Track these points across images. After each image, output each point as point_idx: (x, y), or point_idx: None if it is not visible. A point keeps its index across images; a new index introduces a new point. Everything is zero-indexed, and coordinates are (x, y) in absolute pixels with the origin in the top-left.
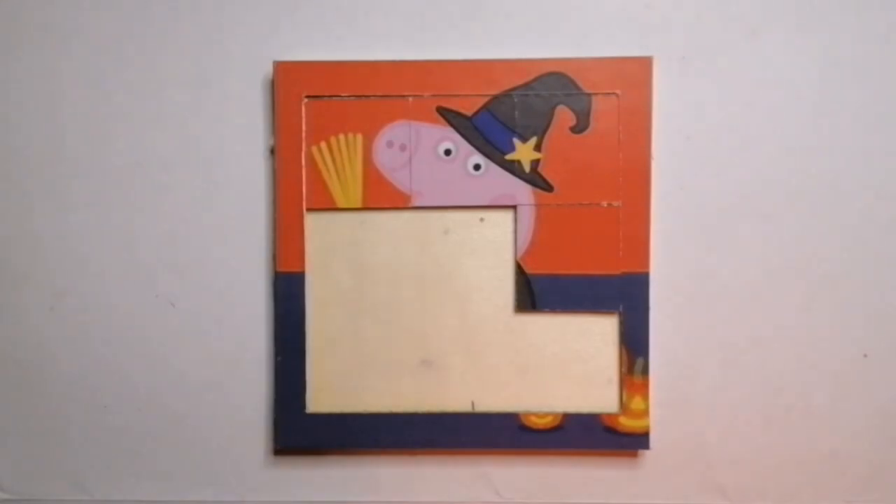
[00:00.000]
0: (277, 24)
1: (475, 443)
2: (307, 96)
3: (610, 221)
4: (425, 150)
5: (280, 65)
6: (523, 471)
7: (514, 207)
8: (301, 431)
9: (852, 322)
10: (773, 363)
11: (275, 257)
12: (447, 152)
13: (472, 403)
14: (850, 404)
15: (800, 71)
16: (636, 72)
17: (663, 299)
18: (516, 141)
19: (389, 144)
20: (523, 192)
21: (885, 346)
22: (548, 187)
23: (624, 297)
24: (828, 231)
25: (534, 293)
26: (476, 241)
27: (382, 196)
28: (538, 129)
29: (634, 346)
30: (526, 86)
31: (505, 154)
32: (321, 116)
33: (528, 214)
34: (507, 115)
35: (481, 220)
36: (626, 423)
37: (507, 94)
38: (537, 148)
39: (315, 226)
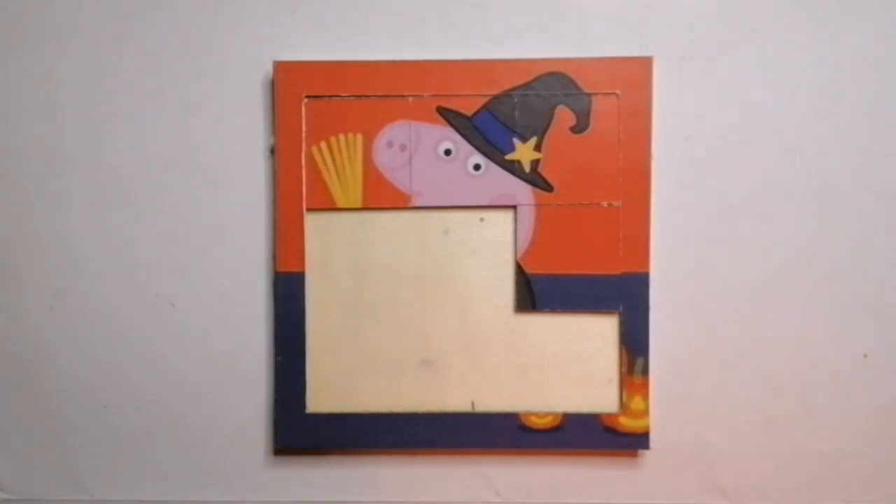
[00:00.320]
0: (277, 24)
1: (475, 443)
2: (307, 96)
3: (610, 221)
4: (425, 150)
5: (280, 65)
6: (523, 471)
7: (514, 207)
8: (301, 431)
9: (852, 322)
10: (773, 363)
11: (275, 257)
12: (447, 152)
13: (472, 403)
14: (850, 404)
15: (800, 71)
16: (636, 72)
17: (663, 299)
18: (516, 141)
19: (389, 144)
20: (523, 192)
21: (885, 346)
22: (548, 187)
23: (624, 297)
24: (828, 231)
25: (534, 293)
26: (476, 241)
27: (382, 196)
28: (538, 129)
29: (634, 346)
30: (526, 86)
31: (505, 154)
32: (321, 116)
33: (528, 214)
34: (507, 115)
35: (481, 220)
36: (626, 423)
37: (507, 94)
38: (537, 148)
39: (315, 226)
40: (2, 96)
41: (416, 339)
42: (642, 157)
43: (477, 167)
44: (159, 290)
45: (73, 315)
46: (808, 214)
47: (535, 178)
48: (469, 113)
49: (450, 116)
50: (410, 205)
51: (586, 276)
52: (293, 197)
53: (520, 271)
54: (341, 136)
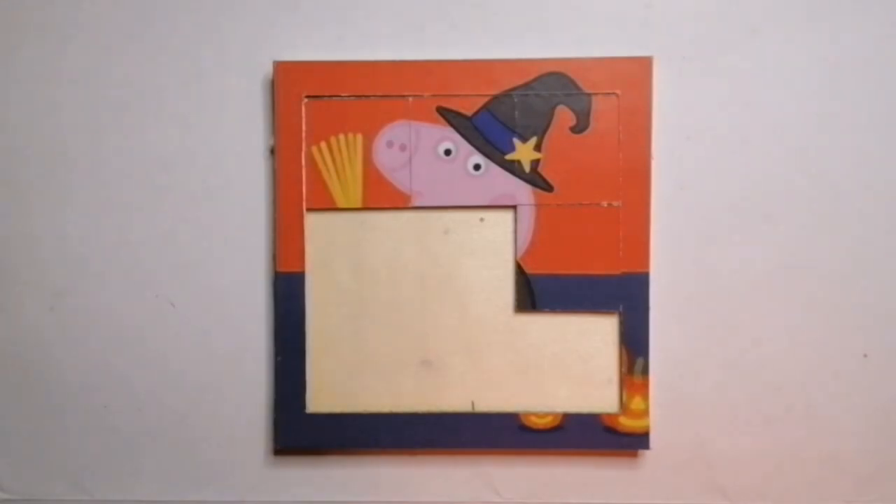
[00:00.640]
0: (277, 24)
1: (475, 443)
2: (307, 96)
3: (610, 221)
4: (425, 150)
5: (280, 65)
6: (523, 471)
7: (514, 207)
8: (301, 431)
9: (852, 322)
10: (773, 363)
11: (275, 257)
12: (447, 152)
13: (472, 403)
14: (850, 404)
15: (800, 70)
16: (636, 72)
17: (663, 299)
18: (516, 141)
19: (389, 144)
20: (523, 192)
21: (885, 346)
22: (548, 187)
23: (624, 297)
24: (828, 231)
25: (534, 293)
26: (476, 241)
27: (382, 196)
28: (538, 129)
29: (634, 346)
30: (526, 86)
31: (505, 154)
32: (321, 116)
33: (528, 214)
34: (507, 115)
35: (481, 220)
36: (626, 423)
37: (507, 94)
38: (537, 148)
39: (315, 226)
40: (2, 96)
41: (416, 339)
42: (642, 157)
43: (477, 167)
44: (159, 290)
45: (73, 315)
46: (809, 214)
47: (535, 178)
48: (469, 113)
49: (450, 116)
50: (410, 205)
51: (586, 276)
52: (293, 197)
53: (520, 271)
54: (341, 136)
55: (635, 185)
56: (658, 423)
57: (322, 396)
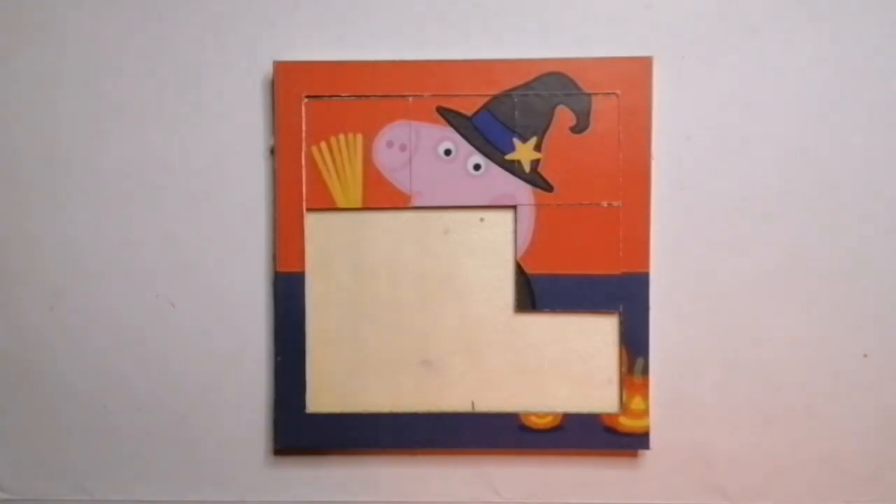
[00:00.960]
0: (277, 24)
1: (475, 443)
2: (307, 96)
3: (610, 221)
4: (425, 150)
5: (280, 65)
6: (523, 471)
7: (514, 207)
8: (301, 431)
9: (852, 322)
10: (773, 363)
11: (275, 257)
12: (447, 152)
13: (472, 403)
14: (850, 404)
15: (800, 71)
16: (636, 72)
17: (663, 299)
18: (516, 141)
19: (389, 144)
20: (523, 192)
21: (885, 346)
22: (548, 187)
23: (624, 297)
24: (828, 231)
25: (534, 293)
26: (476, 241)
27: (382, 196)
28: (538, 129)
29: (634, 346)
30: (526, 86)
31: (505, 154)
32: (321, 116)
33: (528, 214)
34: (507, 115)
35: (481, 220)
36: (626, 423)
37: (507, 94)
38: (537, 148)
39: (315, 226)
40: (2, 96)
41: (416, 339)
42: (642, 157)
43: (477, 167)
44: (159, 290)
45: (73, 315)
46: (809, 214)
47: (535, 178)
48: (469, 113)
49: (450, 116)
50: (410, 205)
51: (586, 276)
52: (293, 197)
53: (520, 271)
54: (341, 136)
55: (635, 185)
56: (658, 423)
57: (322, 396)
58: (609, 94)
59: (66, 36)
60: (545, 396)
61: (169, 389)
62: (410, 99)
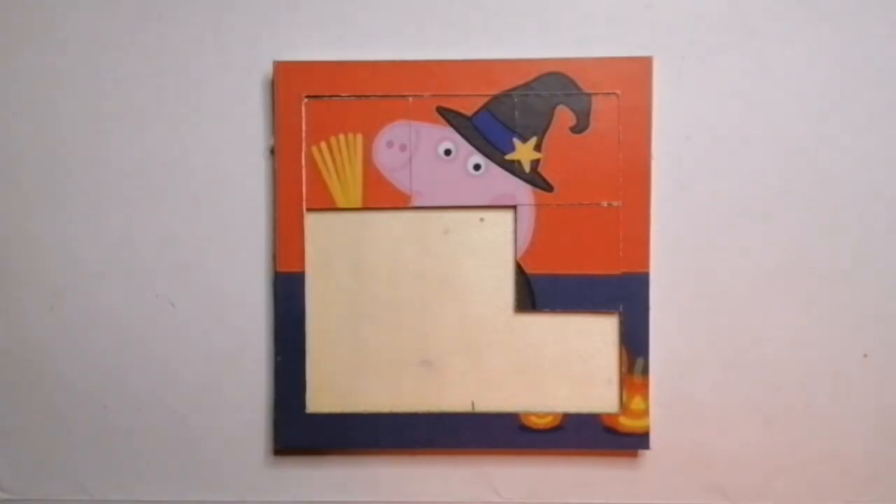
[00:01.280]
0: (277, 24)
1: (475, 443)
2: (307, 96)
3: (610, 221)
4: (425, 150)
5: (280, 65)
6: (523, 471)
7: (514, 207)
8: (301, 431)
9: (852, 322)
10: (773, 363)
11: (275, 257)
12: (447, 152)
13: (472, 403)
14: (850, 404)
15: (800, 71)
16: (636, 72)
17: (663, 299)
18: (516, 141)
19: (389, 144)
20: (523, 192)
21: (885, 346)
22: (548, 187)
23: (624, 297)
24: (828, 231)
25: (534, 293)
26: (476, 241)
27: (382, 196)
28: (538, 129)
29: (634, 346)
30: (526, 86)
31: (505, 154)
32: (321, 116)
33: (528, 214)
34: (507, 115)
35: (481, 220)
36: (626, 423)
37: (507, 94)
38: (537, 148)
39: (315, 226)
40: (1, 96)
41: (416, 339)
42: (642, 157)
43: (477, 167)
44: (159, 290)
45: (73, 315)
46: (809, 214)
47: (535, 178)
48: (469, 113)
49: (450, 116)
50: (410, 205)
51: (586, 276)
52: (293, 197)
53: (520, 271)
54: (341, 136)
55: (635, 185)
56: (658, 423)
57: (322, 396)
58: (609, 94)
59: (66, 36)
60: (545, 396)
61: (169, 389)
62: (410, 99)
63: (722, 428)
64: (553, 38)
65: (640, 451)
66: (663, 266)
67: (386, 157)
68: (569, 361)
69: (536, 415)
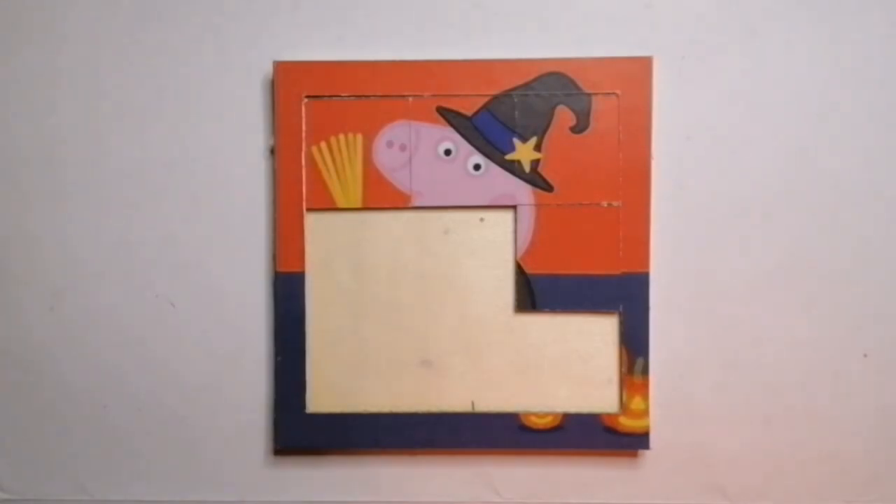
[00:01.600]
0: (277, 24)
1: (475, 443)
2: (307, 96)
3: (610, 221)
4: (425, 150)
5: (280, 65)
6: (523, 471)
7: (514, 207)
8: (301, 431)
9: (852, 322)
10: (773, 363)
11: (275, 257)
12: (447, 152)
13: (472, 403)
14: (850, 404)
15: (800, 71)
16: (636, 72)
17: (663, 299)
18: (516, 141)
19: (389, 144)
20: (523, 192)
21: (885, 346)
22: (548, 187)
23: (624, 297)
24: (828, 231)
25: (534, 293)
26: (476, 241)
27: (382, 196)
28: (538, 129)
29: (634, 346)
30: (526, 86)
31: (505, 154)
32: (321, 116)
33: (528, 214)
34: (507, 115)
35: (481, 220)
36: (626, 423)
37: (507, 94)
38: (537, 148)
39: (315, 226)
40: (1, 96)
41: (416, 339)
42: (642, 157)
43: (477, 167)
44: (159, 290)
45: (73, 315)
46: (809, 214)
47: (535, 178)
48: (469, 113)
49: (450, 116)
50: (410, 205)
51: (586, 276)
52: (293, 197)
53: (520, 271)
54: (341, 136)
55: (635, 185)
56: (658, 423)
57: (322, 396)
58: (609, 94)
59: (66, 36)
60: (545, 396)
61: (169, 389)
62: (410, 99)
63: (722, 428)
64: (553, 38)
65: (640, 451)
66: (663, 266)
67: (386, 157)
68: (569, 361)
69: (536, 415)
